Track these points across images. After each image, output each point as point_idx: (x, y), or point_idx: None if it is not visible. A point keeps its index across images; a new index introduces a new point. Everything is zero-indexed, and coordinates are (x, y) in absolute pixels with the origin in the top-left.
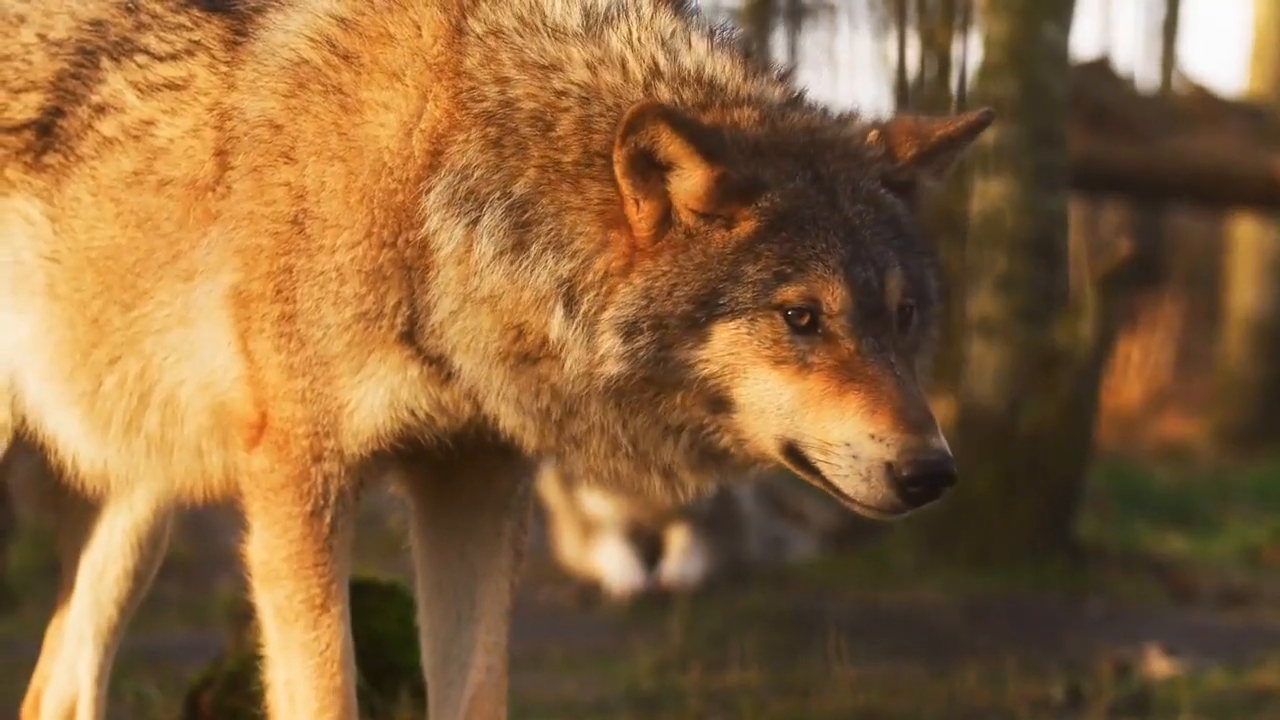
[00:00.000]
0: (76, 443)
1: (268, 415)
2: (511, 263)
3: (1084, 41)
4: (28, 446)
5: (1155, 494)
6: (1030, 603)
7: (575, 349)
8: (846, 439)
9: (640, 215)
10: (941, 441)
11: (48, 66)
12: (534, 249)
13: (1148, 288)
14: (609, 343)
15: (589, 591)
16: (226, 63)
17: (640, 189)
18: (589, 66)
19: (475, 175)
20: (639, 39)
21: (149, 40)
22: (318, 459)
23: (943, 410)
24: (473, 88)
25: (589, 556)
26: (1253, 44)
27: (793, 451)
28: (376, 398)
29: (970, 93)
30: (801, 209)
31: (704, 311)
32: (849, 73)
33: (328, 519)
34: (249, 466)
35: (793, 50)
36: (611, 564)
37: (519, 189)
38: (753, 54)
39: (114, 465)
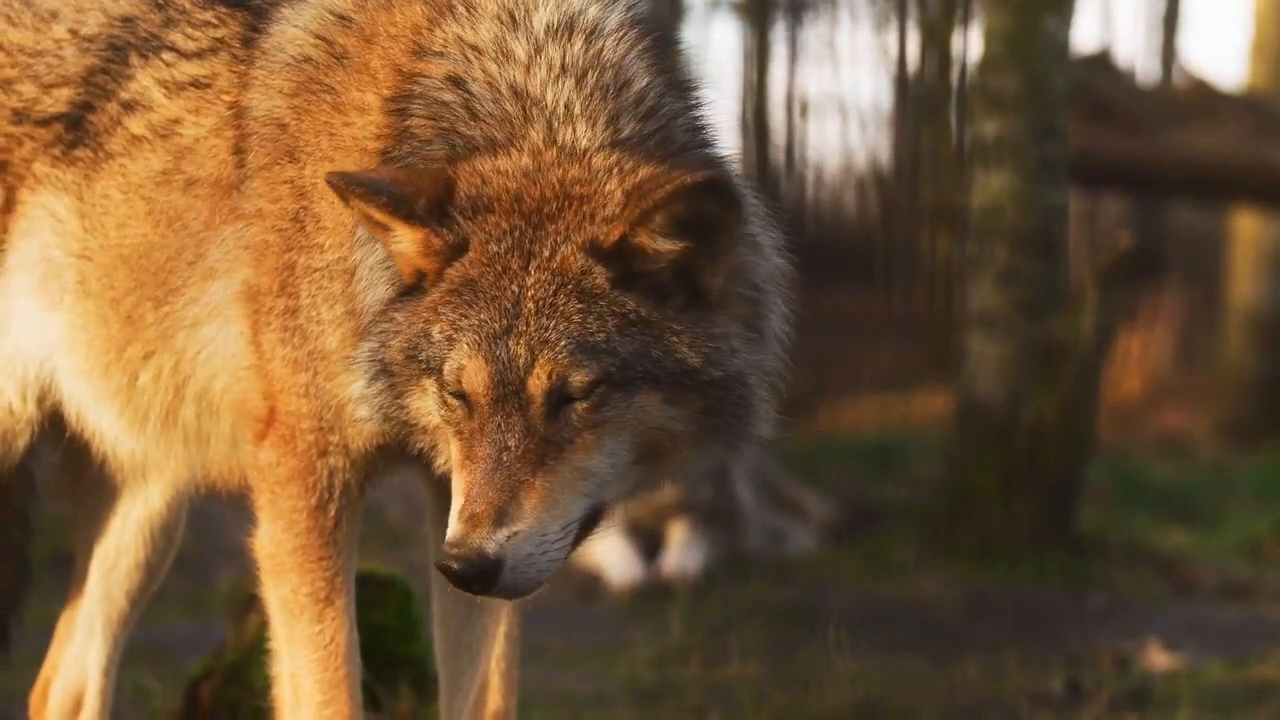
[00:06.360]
0: (117, 435)
1: (275, 409)
2: (369, 293)
3: (1084, 35)
4: (55, 438)
5: (1156, 488)
6: (1031, 596)
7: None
8: (450, 512)
9: (401, 269)
10: (486, 542)
11: (79, 62)
12: (381, 283)
13: (1148, 281)
14: (354, 383)
15: (588, 584)
16: (243, 60)
17: (387, 246)
18: (498, 62)
19: None
20: (563, 60)
21: (176, 37)
22: (323, 453)
23: (942, 404)
24: (410, 92)
25: (588, 549)
26: (1253, 37)
27: None
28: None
29: (971, 86)
30: (485, 276)
31: (414, 365)
32: (850, 66)
33: (332, 513)
34: (256, 460)
35: (793, 44)
36: (611, 557)
37: None
38: (620, 92)
39: (154, 455)
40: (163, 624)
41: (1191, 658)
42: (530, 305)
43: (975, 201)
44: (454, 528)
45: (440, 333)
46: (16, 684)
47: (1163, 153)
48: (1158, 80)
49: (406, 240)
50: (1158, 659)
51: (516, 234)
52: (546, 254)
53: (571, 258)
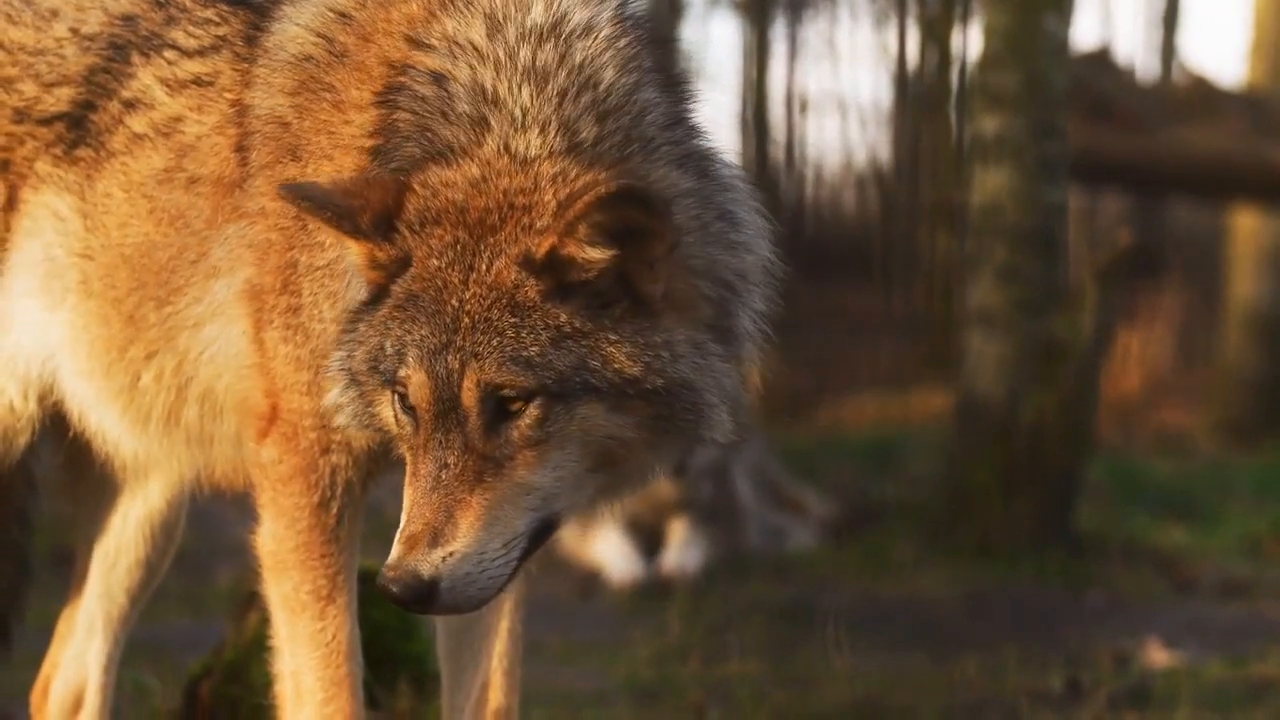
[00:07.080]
0: (119, 436)
1: (277, 407)
2: (357, 298)
3: (1084, 32)
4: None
5: (1155, 486)
6: (1030, 594)
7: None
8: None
9: (364, 278)
10: (421, 564)
11: (80, 60)
12: (364, 288)
13: (1147, 280)
14: (330, 392)
15: (588, 582)
16: (246, 58)
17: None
18: (480, 62)
19: None
20: (531, 63)
21: (177, 35)
22: (325, 451)
23: (941, 402)
24: (399, 84)
25: (588, 547)
26: (1252, 35)
27: None
28: None
29: (970, 84)
30: (427, 291)
31: (377, 376)
32: (850, 64)
33: (334, 510)
34: (258, 457)
35: (793, 41)
36: (611, 554)
37: None
38: (580, 94)
39: (156, 456)
40: (163, 622)
41: (1191, 656)
42: (466, 320)
43: (975, 199)
44: (393, 549)
45: (391, 347)
46: (17, 682)
47: (1162, 151)
48: (1157, 78)
49: (354, 254)
50: (1157, 657)
51: (459, 247)
52: (484, 268)
53: (506, 271)
